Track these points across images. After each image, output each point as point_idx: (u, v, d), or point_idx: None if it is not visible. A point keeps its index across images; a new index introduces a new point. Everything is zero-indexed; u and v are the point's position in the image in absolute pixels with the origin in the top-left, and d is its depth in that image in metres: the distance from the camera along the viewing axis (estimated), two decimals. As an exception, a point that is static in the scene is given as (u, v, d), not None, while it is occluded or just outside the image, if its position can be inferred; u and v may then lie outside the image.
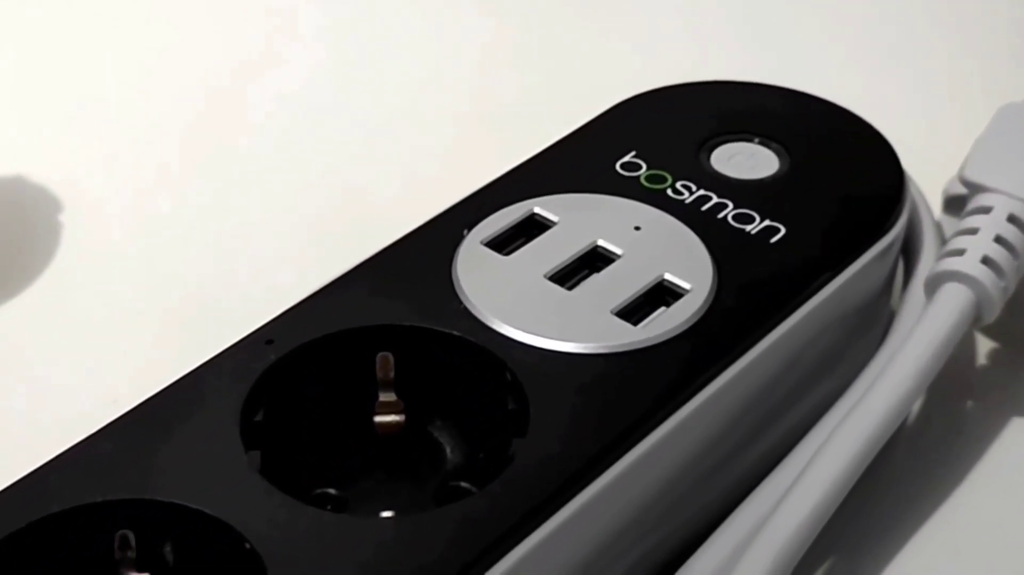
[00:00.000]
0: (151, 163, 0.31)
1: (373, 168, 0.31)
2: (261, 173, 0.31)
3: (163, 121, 0.33)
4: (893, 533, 0.24)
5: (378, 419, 0.22)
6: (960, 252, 0.24)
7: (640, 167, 0.25)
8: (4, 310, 0.28)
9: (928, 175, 0.27)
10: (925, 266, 0.25)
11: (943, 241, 0.25)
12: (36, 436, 0.24)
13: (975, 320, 0.24)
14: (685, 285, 0.22)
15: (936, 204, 0.27)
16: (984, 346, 0.27)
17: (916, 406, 0.25)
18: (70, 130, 0.32)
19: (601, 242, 0.23)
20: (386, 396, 0.22)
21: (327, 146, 0.32)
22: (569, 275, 0.23)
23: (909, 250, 0.26)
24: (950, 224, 0.26)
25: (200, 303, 0.28)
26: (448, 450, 0.22)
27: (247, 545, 0.18)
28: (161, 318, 0.27)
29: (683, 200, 0.24)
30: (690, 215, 0.24)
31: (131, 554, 0.19)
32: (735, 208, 0.24)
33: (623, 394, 0.21)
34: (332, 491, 0.21)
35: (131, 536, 0.19)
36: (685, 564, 0.21)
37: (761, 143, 0.25)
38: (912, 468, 0.25)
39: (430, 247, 0.23)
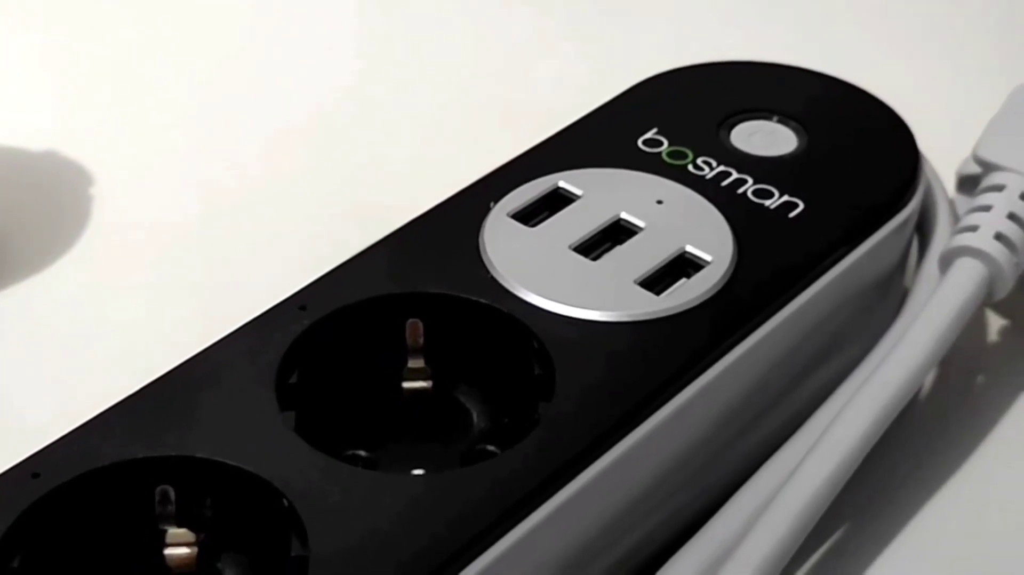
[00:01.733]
0: (180, 139, 0.32)
1: (407, 146, 0.32)
2: (292, 148, 0.32)
3: (193, 98, 0.33)
4: (905, 503, 0.24)
5: (406, 385, 0.23)
6: (974, 228, 0.24)
7: (662, 143, 0.25)
8: (37, 281, 0.28)
9: (942, 156, 0.27)
10: (939, 243, 0.26)
11: (957, 219, 0.26)
12: (72, 402, 0.25)
13: (988, 295, 0.24)
14: (706, 257, 0.23)
15: (950, 184, 0.27)
16: (995, 323, 0.27)
17: (928, 380, 0.26)
18: (100, 106, 0.33)
19: (624, 215, 0.24)
20: (415, 362, 0.23)
21: (356, 128, 0.32)
22: (593, 247, 0.23)
23: (923, 228, 0.26)
24: (964, 203, 0.27)
25: (228, 274, 0.28)
26: (475, 415, 0.23)
27: (284, 501, 0.19)
28: (191, 288, 0.28)
29: (704, 176, 0.25)
30: (711, 190, 0.24)
31: (171, 508, 0.20)
32: (754, 184, 0.24)
33: (646, 360, 0.21)
34: (362, 453, 0.22)
35: (171, 491, 0.20)
36: (704, 527, 0.22)
37: (780, 121, 0.26)
38: (924, 440, 0.25)
39: (458, 219, 0.24)
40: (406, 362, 0.22)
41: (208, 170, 0.31)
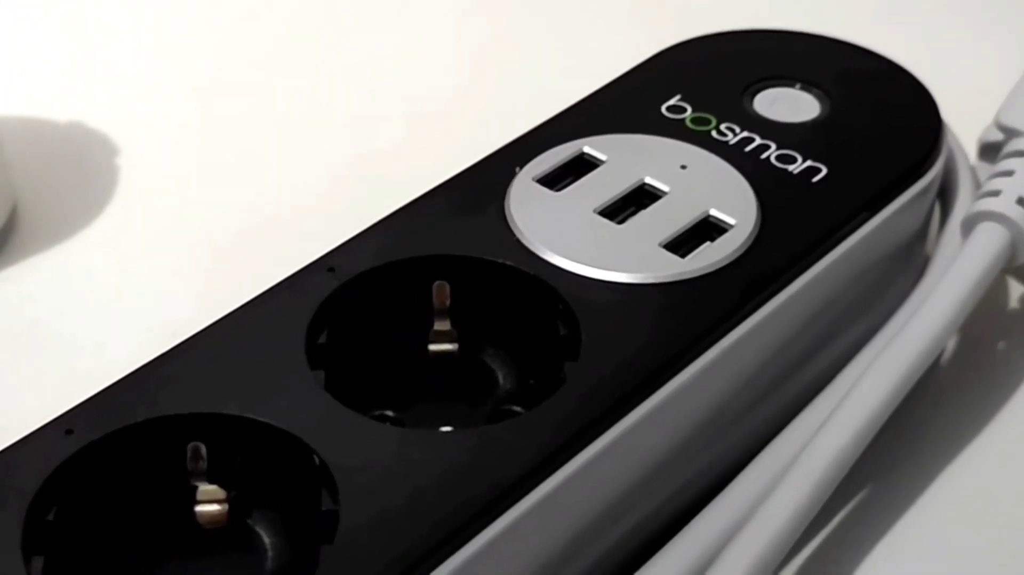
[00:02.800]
0: (206, 109, 0.32)
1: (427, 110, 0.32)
2: (319, 117, 0.32)
3: (219, 69, 0.33)
4: (926, 466, 0.24)
5: (433, 347, 0.23)
6: (996, 193, 0.24)
7: (685, 110, 0.25)
8: (66, 247, 0.28)
9: (964, 124, 0.27)
10: (961, 210, 0.26)
11: (979, 186, 0.26)
12: (102, 362, 0.25)
13: (1010, 259, 0.24)
14: (730, 220, 0.23)
15: (972, 153, 0.27)
16: (1017, 290, 0.27)
17: (950, 346, 0.26)
18: (126, 76, 0.33)
19: (648, 179, 0.24)
20: (441, 325, 0.23)
21: (378, 93, 0.33)
22: (618, 210, 0.23)
23: (945, 195, 0.27)
24: (985, 171, 0.27)
25: (252, 240, 0.28)
26: (500, 377, 0.23)
27: (315, 457, 0.19)
28: (215, 254, 0.28)
29: (727, 141, 0.25)
30: (734, 155, 0.24)
31: (203, 465, 0.20)
32: (778, 149, 0.24)
33: (672, 321, 0.21)
34: (389, 413, 0.22)
35: (203, 448, 0.20)
36: (727, 487, 0.22)
37: (803, 88, 0.26)
38: (945, 404, 0.25)
39: (484, 183, 0.24)
40: (432, 325, 0.23)
41: (234, 139, 0.31)
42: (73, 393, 0.20)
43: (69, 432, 0.20)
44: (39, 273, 0.28)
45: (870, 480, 0.24)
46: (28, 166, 0.30)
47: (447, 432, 0.21)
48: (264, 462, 0.20)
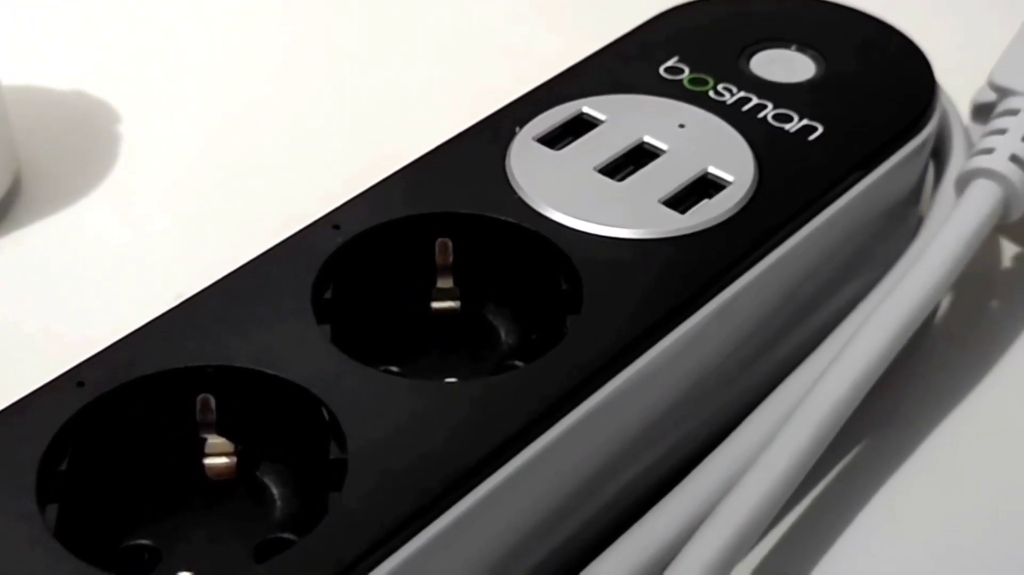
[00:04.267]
0: (207, 77, 0.32)
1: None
2: (319, 87, 0.32)
3: (221, 37, 0.34)
4: (918, 422, 0.25)
5: (435, 305, 0.23)
6: (989, 151, 0.25)
7: (683, 71, 0.26)
8: (70, 214, 0.29)
9: (957, 87, 0.28)
10: (954, 169, 0.26)
11: (972, 147, 0.27)
12: (106, 327, 0.25)
13: (1003, 216, 0.25)
14: (728, 177, 0.23)
15: (965, 115, 0.28)
16: (1009, 249, 0.28)
17: (943, 305, 0.27)
18: (127, 44, 0.34)
19: (647, 138, 0.24)
20: (444, 282, 0.23)
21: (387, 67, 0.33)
22: (617, 168, 0.24)
23: (939, 156, 0.27)
24: (978, 132, 0.27)
25: (254, 204, 0.29)
26: (502, 333, 0.23)
27: (323, 407, 0.20)
28: (218, 220, 0.29)
29: (724, 101, 0.25)
30: (731, 114, 0.25)
31: (211, 417, 0.20)
32: (774, 108, 0.25)
33: (672, 275, 0.22)
34: (394, 368, 0.22)
35: (212, 400, 0.20)
36: (726, 439, 0.22)
37: (798, 50, 0.26)
38: (937, 361, 0.26)
39: (484, 143, 0.24)
40: (435, 282, 0.23)
41: (235, 106, 0.32)
42: (78, 357, 0.21)
43: (80, 384, 0.20)
44: (43, 239, 0.28)
45: (864, 436, 0.24)
46: (31, 134, 0.30)
47: (452, 383, 0.21)
48: (273, 414, 0.20)
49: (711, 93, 0.25)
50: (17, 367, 0.25)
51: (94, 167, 0.30)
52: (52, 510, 0.19)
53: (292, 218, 0.23)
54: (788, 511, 0.23)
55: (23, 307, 0.27)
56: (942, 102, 0.26)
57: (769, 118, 0.25)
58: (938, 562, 0.23)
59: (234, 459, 0.21)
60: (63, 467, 0.19)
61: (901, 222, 0.26)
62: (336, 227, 0.22)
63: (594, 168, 0.24)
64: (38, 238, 0.28)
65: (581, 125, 0.25)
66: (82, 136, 0.31)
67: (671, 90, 0.25)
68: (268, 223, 0.24)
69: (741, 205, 0.23)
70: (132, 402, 0.20)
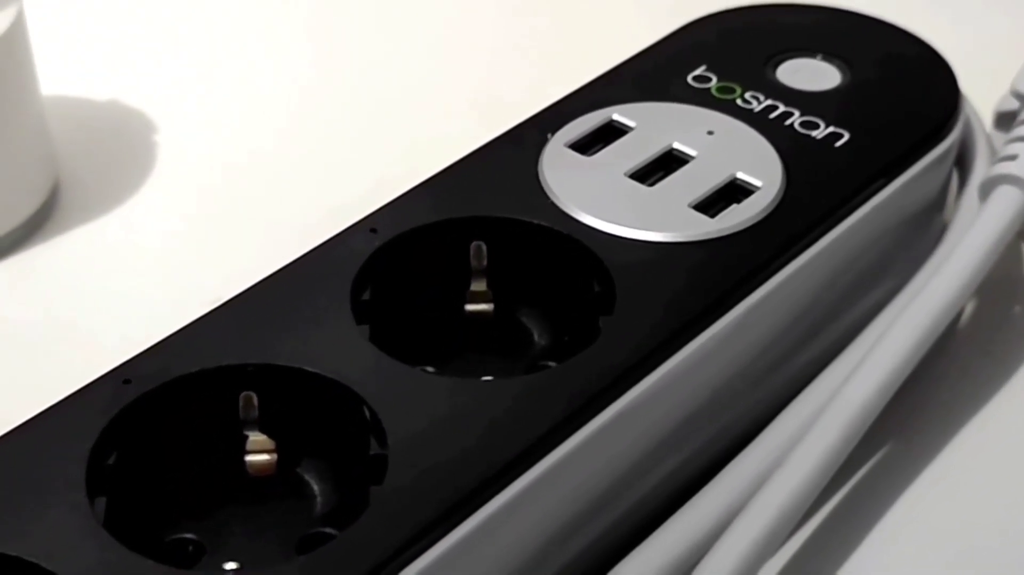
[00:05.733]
0: (241, 85, 0.33)
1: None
2: (355, 96, 0.33)
3: (255, 46, 0.34)
4: (941, 425, 0.25)
5: (469, 307, 0.24)
6: (1013, 157, 0.25)
7: (711, 79, 0.26)
8: (107, 222, 0.29)
9: (980, 95, 0.28)
10: (978, 176, 0.27)
11: (995, 154, 0.27)
12: (144, 331, 0.26)
13: (1027, 221, 0.25)
14: (756, 182, 0.24)
15: (988, 122, 0.28)
16: (1032, 256, 0.28)
17: (967, 311, 0.27)
18: (163, 54, 0.34)
19: (676, 144, 0.25)
20: (477, 285, 0.24)
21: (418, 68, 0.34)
22: (647, 174, 0.24)
23: (963, 163, 0.27)
24: (1001, 140, 0.27)
25: (291, 212, 0.29)
26: (535, 334, 0.24)
27: (363, 405, 0.20)
28: (255, 228, 0.29)
29: (751, 109, 0.26)
30: (759, 121, 0.25)
31: (254, 413, 0.21)
32: (801, 116, 0.25)
33: (702, 277, 0.22)
34: (429, 368, 0.23)
35: (255, 397, 0.21)
36: (759, 435, 0.23)
37: (824, 59, 0.27)
38: (961, 366, 0.26)
39: (516, 149, 0.25)
40: (469, 285, 0.24)
41: (269, 115, 0.32)
42: (117, 359, 0.21)
43: (127, 382, 0.20)
44: (82, 245, 0.29)
45: (890, 437, 0.24)
46: (70, 143, 0.31)
47: (490, 381, 0.22)
48: (314, 411, 0.21)
49: (738, 101, 0.26)
50: (60, 368, 0.25)
51: (131, 175, 0.30)
52: (101, 503, 0.19)
53: (327, 223, 0.24)
54: (813, 513, 0.23)
55: (65, 310, 0.27)
56: (965, 110, 0.27)
57: (796, 125, 0.25)
58: (958, 565, 0.23)
59: (274, 456, 0.21)
60: (111, 461, 0.20)
61: (926, 228, 0.26)
62: (373, 231, 0.23)
63: (625, 173, 0.24)
64: (78, 244, 0.29)
65: (611, 132, 0.25)
66: (119, 145, 0.31)
67: (699, 98, 0.26)
68: (303, 229, 0.24)
69: (770, 209, 0.23)
70: (176, 399, 0.21)
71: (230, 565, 0.20)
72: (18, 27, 0.28)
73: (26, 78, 0.28)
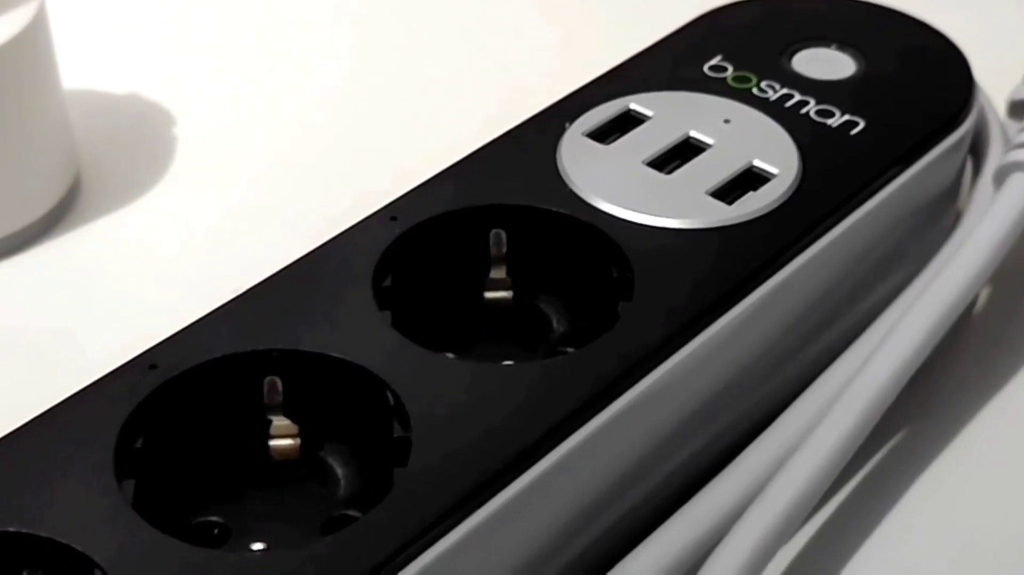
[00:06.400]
0: (259, 77, 0.33)
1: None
2: (376, 83, 0.33)
3: (273, 36, 0.35)
4: (957, 410, 0.25)
5: (489, 294, 0.24)
6: (1027, 145, 0.25)
7: (727, 69, 0.26)
8: (129, 212, 0.30)
9: (994, 84, 0.28)
10: (992, 164, 0.27)
11: (1009, 142, 0.27)
12: (164, 322, 0.26)
13: (1041, 209, 0.25)
14: (773, 170, 0.24)
15: (1002, 110, 0.28)
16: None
17: (982, 297, 0.27)
18: (182, 46, 0.35)
19: (693, 133, 0.25)
20: (497, 272, 0.24)
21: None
22: (665, 162, 0.24)
23: (977, 152, 0.28)
24: (1014, 128, 0.28)
25: (310, 205, 0.30)
26: (554, 321, 0.24)
27: (387, 389, 0.20)
28: (273, 221, 0.29)
29: (767, 98, 0.26)
30: (775, 110, 0.25)
31: (278, 398, 0.21)
32: (816, 104, 0.26)
33: (720, 263, 0.22)
34: (449, 355, 0.23)
35: (279, 382, 0.21)
36: (776, 420, 0.23)
37: (839, 48, 0.27)
38: (976, 353, 0.26)
39: (535, 138, 0.25)
40: (488, 272, 0.24)
41: (289, 109, 0.32)
42: (138, 350, 0.21)
43: (153, 367, 0.21)
44: (103, 237, 0.29)
45: (904, 425, 0.25)
46: (91, 136, 0.31)
47: (511, 365, 0.22)
48: (337, 395, 0.21)
49: (754, 90, 0.26)
50: (84, 358, 0.25)
51: (152, 167, 0.31)
52: (129, 485, 0.20)
53: (348, 214, 0.24)
54: (828, 498, 0.24)
55: (88, 301, 0.28)
56: (979, 99, 0.27)
57: (811, 114, 0.25)
58: (972, 548, 0.23)
59: (298, 441, 0.21)
60: (138, 445, 0.20)
61: (940, 215, 0.26)
62: (394, 219, 0.23)
63: (642, 161, 0.24)
64: (99, 236, 0.29)
65: (629, 121, 0.25)
66: (140, 138, 0.32)
67: (715, 87, 0.26)
68: (325, 219, 0.25)
69: (786, 196, 0.24)
70: (202, 384, 0.21)
71: (257, 546, 0.20)
72: (39, 21, 0.28)
73: (47, 72, 0.29)
